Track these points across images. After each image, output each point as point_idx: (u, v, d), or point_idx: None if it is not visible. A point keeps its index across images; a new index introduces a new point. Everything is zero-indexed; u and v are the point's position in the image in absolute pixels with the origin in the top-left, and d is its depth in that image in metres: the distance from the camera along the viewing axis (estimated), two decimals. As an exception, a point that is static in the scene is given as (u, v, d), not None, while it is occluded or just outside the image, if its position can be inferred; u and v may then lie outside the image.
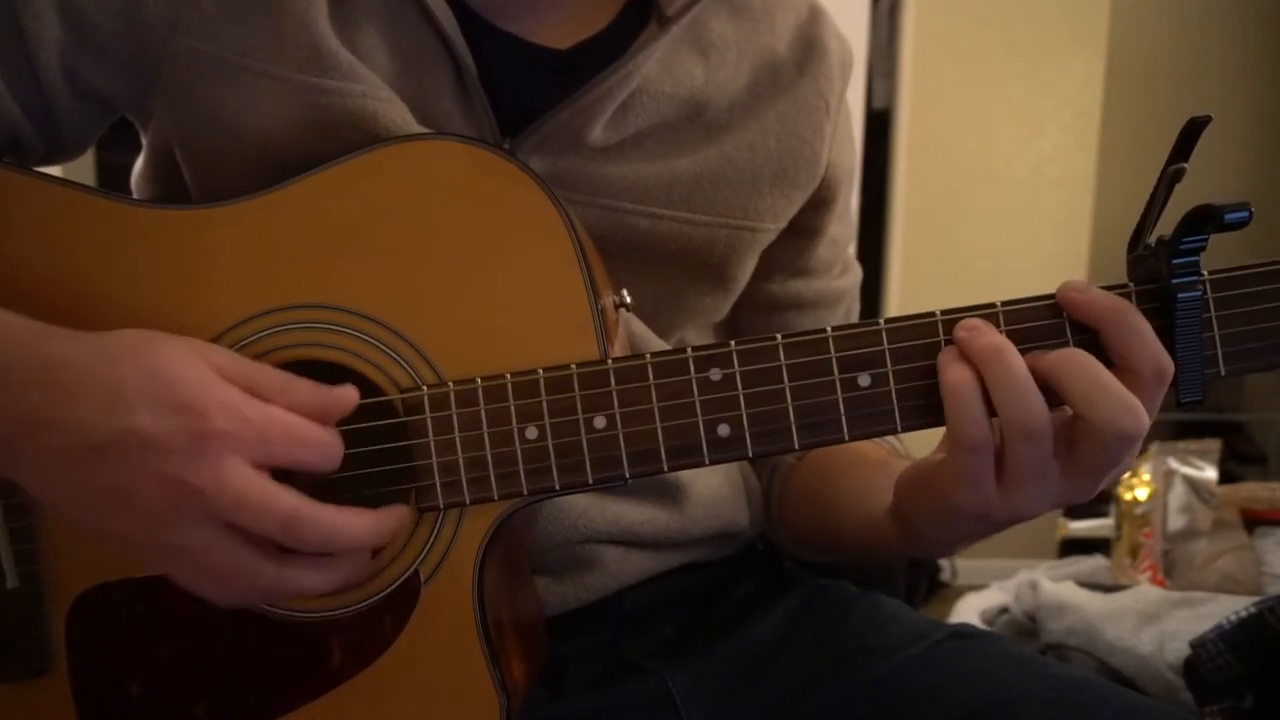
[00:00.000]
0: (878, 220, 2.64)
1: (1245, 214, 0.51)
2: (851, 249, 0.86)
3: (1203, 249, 0.53)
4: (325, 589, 0.54)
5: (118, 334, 0.53)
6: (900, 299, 2.67)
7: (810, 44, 0.75)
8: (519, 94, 0.67)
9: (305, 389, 0.54)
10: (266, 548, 0.52)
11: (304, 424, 0.53)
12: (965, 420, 0.52)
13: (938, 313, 0.55)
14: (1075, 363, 0.52)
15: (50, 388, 0.50)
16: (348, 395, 0.55)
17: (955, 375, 0.53)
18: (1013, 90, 2.60)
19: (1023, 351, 0.53)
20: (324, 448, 0.53)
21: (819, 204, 0.77)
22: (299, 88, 0.62)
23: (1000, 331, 0.54)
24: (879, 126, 2.60)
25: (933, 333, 0.55)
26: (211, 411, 0.50)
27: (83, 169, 1.79)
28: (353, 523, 0.53)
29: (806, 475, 0.79)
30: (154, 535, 0.51)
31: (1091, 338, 0.55)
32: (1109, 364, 0.53)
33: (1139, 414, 0.51)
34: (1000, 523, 0.55)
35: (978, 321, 0.54)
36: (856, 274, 0.85)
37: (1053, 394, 0.53)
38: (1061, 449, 0.53)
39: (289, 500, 0.51)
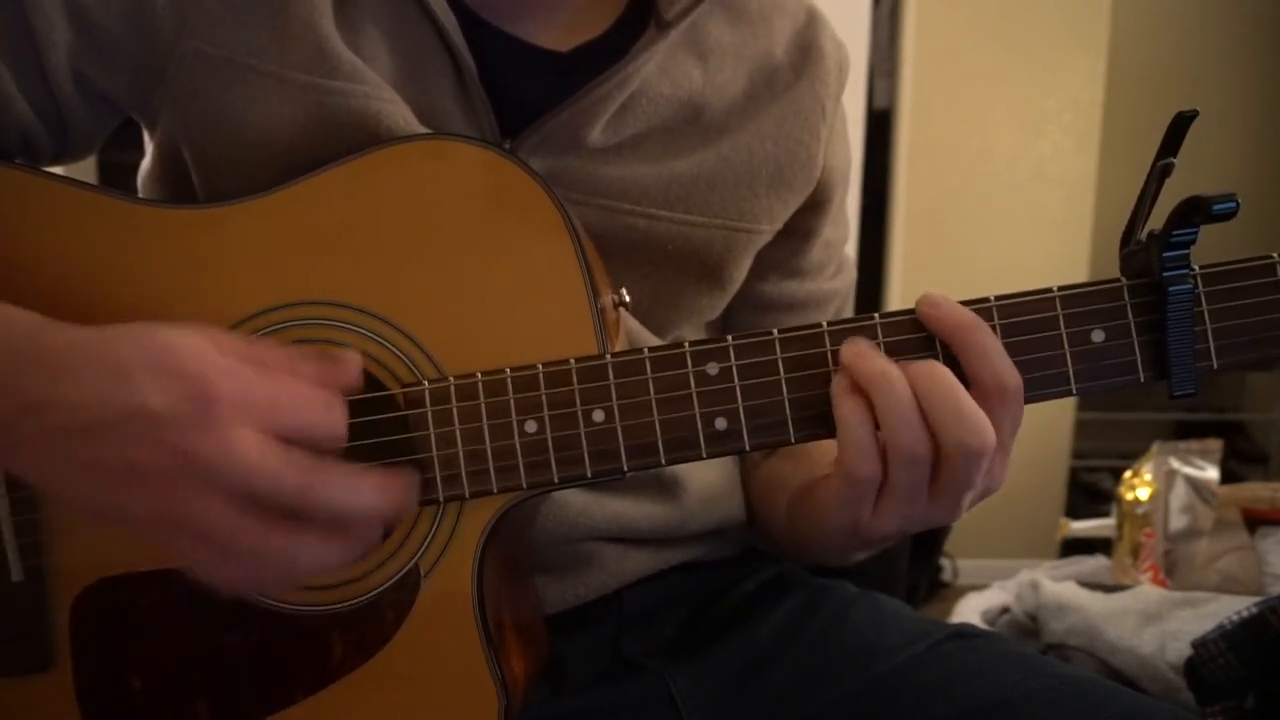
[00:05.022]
0: (878, 220, 2.63)
1: (1232, 204, 0.52)
2: (849, 249, 0.87)
3: (1193, 241, 0.54)
4: (335, 562, 0.52)
5: (117, 324, 0.52)
6: (901, 299, 2.66)
7: (807, 48, 0.75)
8: (519, 95, 0.68)
9: (309, 358, 0.53)
10: (275, 520, 0.50)
11: (310, 390, 0.51)
12: (858, 456, 0.54)
13: None
14: (933, 380, 0.54)
15: (52, 371, 0.50)
16: (350, 364, 0.54)
17: (849, 409, 0.54)
18: (1013, 90, 2.60)
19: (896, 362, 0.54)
20: (330, 415, 0.51)
21: (814, 206, 0.77)
22: (304, 88, 0.63)
23: (879, 344, 0.56)
24: (879, 126, 2.59)
25: (925, 326, 0.56)
26: (215, 380, 0.48)
27: (85, 169, 1.80)
28: (366, 483, 0.51)
29: (767, 469, 0.79)
30: (160, 510, 0.49)
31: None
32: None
33: (983, 431, 0.53)
34: (867, 539, 0.58)
35: (864, 346, 0.55)
36: (850, 274, 0.86)
37: None
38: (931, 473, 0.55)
39: (301, 460, 0.49)
